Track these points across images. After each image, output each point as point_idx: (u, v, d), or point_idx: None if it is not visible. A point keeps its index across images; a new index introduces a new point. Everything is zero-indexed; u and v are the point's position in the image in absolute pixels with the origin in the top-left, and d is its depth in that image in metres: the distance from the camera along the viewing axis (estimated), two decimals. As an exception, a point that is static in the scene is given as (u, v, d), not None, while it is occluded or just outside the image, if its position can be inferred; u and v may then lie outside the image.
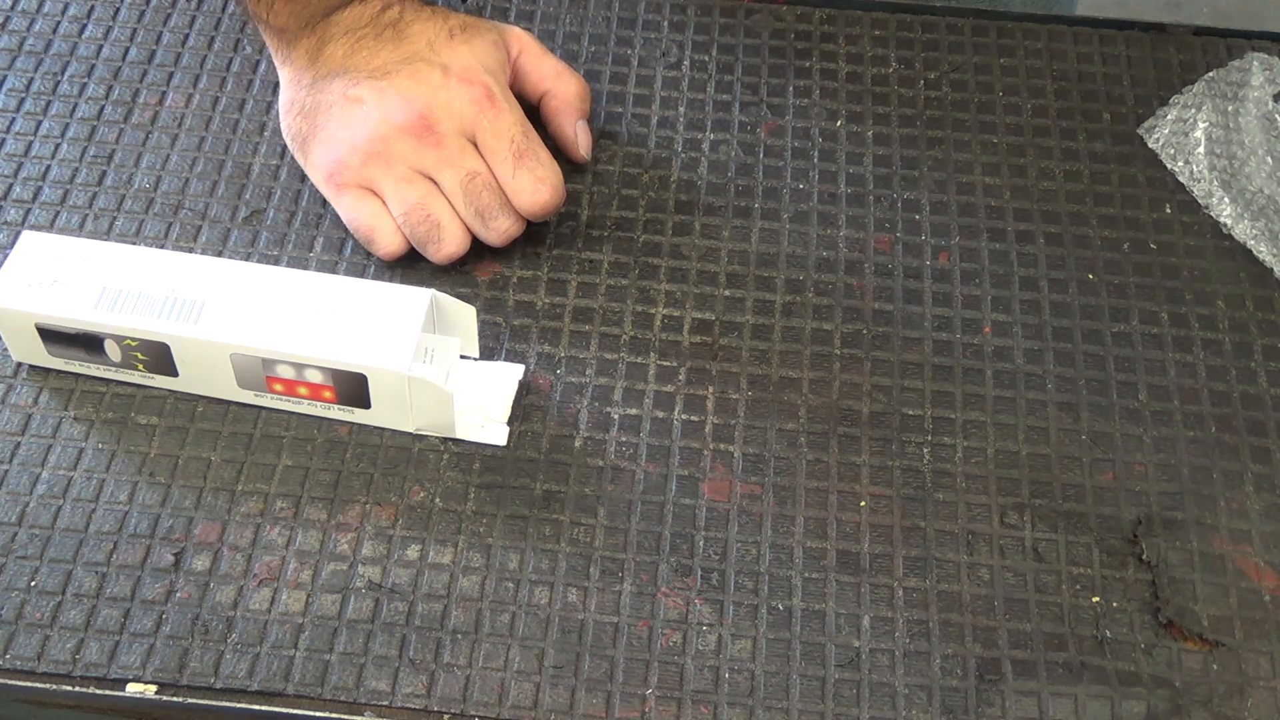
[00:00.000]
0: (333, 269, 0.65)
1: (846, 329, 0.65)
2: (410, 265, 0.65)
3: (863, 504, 0.59)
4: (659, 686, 0.54)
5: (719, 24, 0.76)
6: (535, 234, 0.67)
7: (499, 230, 0.64)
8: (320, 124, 0.65)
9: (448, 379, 0.59)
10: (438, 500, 0.59)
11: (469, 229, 0.64)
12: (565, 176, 0.65)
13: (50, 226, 0.66)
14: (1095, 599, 0.57)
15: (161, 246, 0.66)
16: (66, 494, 0.58)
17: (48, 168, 0.68)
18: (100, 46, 0.73)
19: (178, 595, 0.56)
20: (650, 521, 0.58)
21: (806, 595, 0.57)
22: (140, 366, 0.60)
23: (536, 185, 0.63)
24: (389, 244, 0.64)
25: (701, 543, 0.58)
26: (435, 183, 0.64)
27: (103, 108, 0.71)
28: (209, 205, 0.67)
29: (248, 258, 0.65)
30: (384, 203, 0.64)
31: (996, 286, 0.66)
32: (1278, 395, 0.63)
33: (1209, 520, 0.59)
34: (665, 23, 0.76)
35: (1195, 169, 0.70)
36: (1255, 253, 0.67)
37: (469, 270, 0.66)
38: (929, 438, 0.61)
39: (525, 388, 0.62)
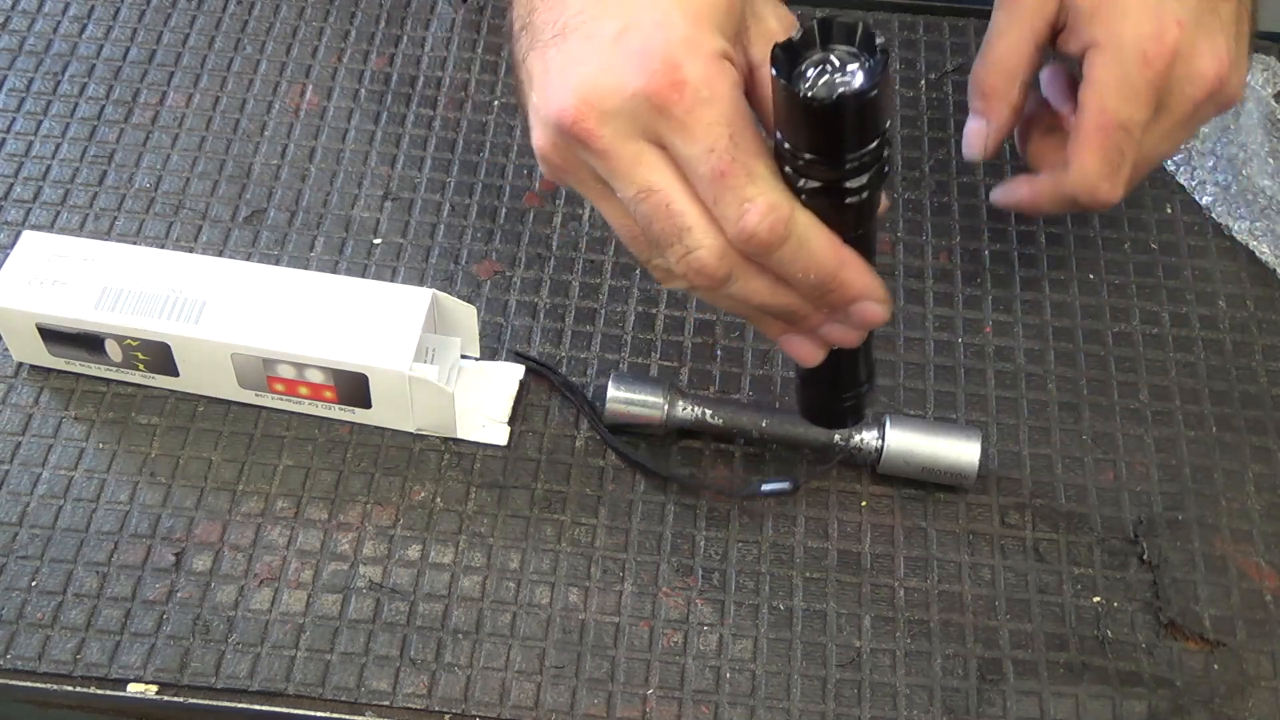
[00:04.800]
0: (333, 269, 0.65)
1: (848, 329, 0.64)
2: (411, 265, 0.65)
3: (864, 504, 0.59)
4: (660, 686, 0.54)
5: (720, 24, 0.76)
6: (538, 234, 0.67)
7: None
8: None
9: (448, 379, 0.59)
10: (438, 500, 0.59)
11: None
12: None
13: (51, 226, 0.66)
14: (1097, 599, 0.57)
15: (162, 246, 0.65)
16: (67, 494, 0.58)
17: (48, 167, 0.68)
18: (101, 46, 0.73)
19: (179, 595, 0.56)
20: (651, 521, 0.58)
21: (807, 595, 0.57)
22: (141, 366, 0.60)
23: None
24: None
25: (702, 542, 0.58)
26: None
27: (103, 107, 0.71)
28: (210, 205, 0.67)
29: (248, 257, 0.65)
30: None
31: (997, 286, 0.66)
32: (1278, 395, 0.63)
33: (1210, 520, 0.59)
34: (666, 22, 0.76)
35: (1196, 170, 0.69)
36: (1257, 253, 0.67)
37: (470, 270, 0.66)
38: (930, 438, 0.61)
39: (526, 388, 0.62)
